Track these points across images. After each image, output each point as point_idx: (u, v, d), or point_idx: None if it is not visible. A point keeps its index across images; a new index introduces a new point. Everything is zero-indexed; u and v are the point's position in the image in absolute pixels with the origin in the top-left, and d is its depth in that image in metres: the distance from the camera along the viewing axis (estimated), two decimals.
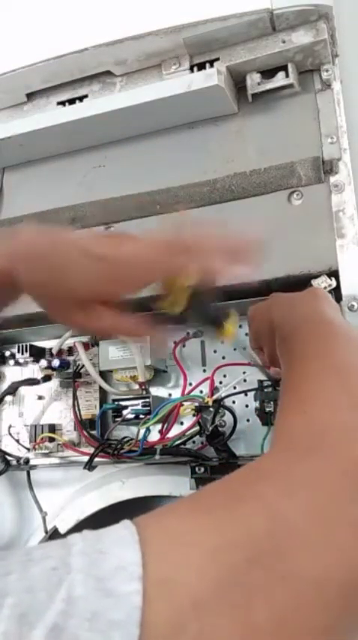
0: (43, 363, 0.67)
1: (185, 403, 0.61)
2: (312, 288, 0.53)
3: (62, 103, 0.69)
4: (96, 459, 0.62)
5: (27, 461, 0.68)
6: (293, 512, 0.25)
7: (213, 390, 0.62)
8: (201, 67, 0.62)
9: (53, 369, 0.67)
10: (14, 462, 0.69)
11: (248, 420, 0.61)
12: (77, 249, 0.37)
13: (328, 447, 0.28)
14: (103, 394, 0.68)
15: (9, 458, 0.69)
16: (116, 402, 0.65)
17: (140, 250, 0.36)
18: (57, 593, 0.21)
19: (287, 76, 0.59)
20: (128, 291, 0.38)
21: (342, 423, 0.30)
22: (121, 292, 0.38)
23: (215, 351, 0.65)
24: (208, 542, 0.23)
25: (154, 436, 0.63)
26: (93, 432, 0.65)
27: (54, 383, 0.70)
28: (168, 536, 0.24)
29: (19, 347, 0.69)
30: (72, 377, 0.67)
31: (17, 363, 0.71)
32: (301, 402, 0.33)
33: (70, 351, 0.69)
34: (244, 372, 0.61)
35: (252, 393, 0.59)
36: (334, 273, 0.56)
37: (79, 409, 0.66)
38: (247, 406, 0.62)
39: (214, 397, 0.60)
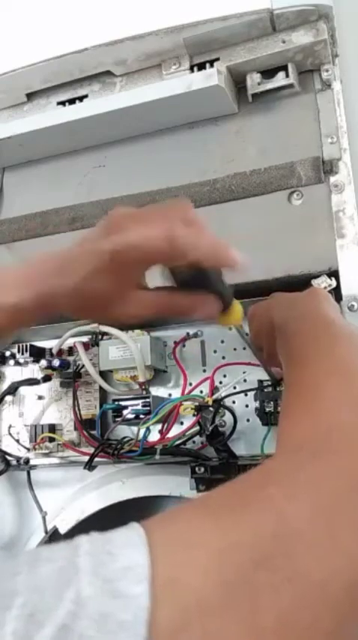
0: (43, 363, 0.67)
1: (185, 403, 0.61)
2: (313, 288, 0.53)
3: (62, 103, 0.69)
4: (96, 459, 0.62)
5: (27, 461, 0.68)
6: (299, 515, 0.25)
7: (213, 390, 0.62)
8: (201, 67, 0.62)
9: (53, 369, 0.67)
10: (14, 462, 0.69)
11: (248, 420, 0.61)
12: (85, 252, 0.39)
13: (334, 451, 0.28)
14: (103, 394, 0.68)
15: (9, 458, 0.69)
16: (116, 402, 0.65)
17: (141, 235, 0.37)
18: (65, 594, 0.21)
19: (287, 76, 0.59)
20: (142, 271, 0.40)
21: (347, 426, 0.30)
22: (138, 274, 0.40)
23: (215, 351, 0.65)
24: (214, 543, 0.24)
25: (154, 436, 0.63)
26: (94, 432, 0.65)
27: (54, 383, 0.70)
28: (175, 538, 0.24)
29: (19, 347, 0.69)
30: (72, 377, 0.67)
31: (17, 363, 0.71)
32: (306, 404, 0.33)
33: (70, 351, 0.69)
34: (244, 372, 0.61)
35: (252, 393, 0.59)
36: (334, 273, 0.56)
37: (79, 409, 0.66)
38: (247, 406, 0.62)
39: (214, 397, 0.60)
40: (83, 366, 0.66)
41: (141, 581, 0.21)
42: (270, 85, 0.60)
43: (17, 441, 0.69)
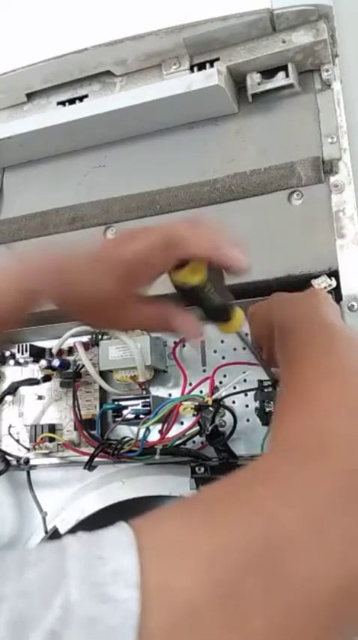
0: (43, 363, 0.67)
1: (185, 403, 0.61)
2: (313, 289, 0.53)
3: (62, 103, 0.69)
4: (96, 459, 0.62)
5: (27, 461, 0.68)
6: (289, 519, 0.25)
7: (213, 389, 0.62)
8: (201, 67, 0.62)
9: (53, 369, 0.67)
10: (14, 462, 0.69)
11: (248, 420, 0.61)
12: (87, 259, 0.39)
13: (325, 455, 0.28)
14: (103, 394, 0.68)
15: (9, 458, 0.69)
16: (116, 402, 0.65)
17: (144, 241, 0.37)
18: (54, 600, 0.20)
19: (287, 76, 0.59)
20: (142, 284, 0.40)
21: (340, 430, 0.30)
22: (137, 287, 0.40)
23: (215, 351, 0.65)
24: (205, 547, 0.23)
25: (154, 436, 0.63)
26: (94, 432, 0.65)
27: (54, 383, 0.70)
28: (165, 541, 0.24)
29: (19, 347, 0.69)
30: (72, 377, 0.67)
31: (17, 363, 0.71)
32: (300, 405, 0.33)
33: (70, 351, 0.69)
34: (244, 372, 0.61)
35: (252, 393, 0.59)
36: (334, 273, 0.56)
37: (79, 409, 0.66)
38: (247, 406, 0.62)
39: (214, 397, 0.60)
40: (83, 366, 0.66)
41: (130, 586, 0.21)
42: (270, 85, 0.60)
43: (17, 441, 0.69)
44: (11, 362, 0.71)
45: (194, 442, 0.61)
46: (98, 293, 0.39)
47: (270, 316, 0.45)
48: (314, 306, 0.42)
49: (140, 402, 0.63)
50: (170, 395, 0.66)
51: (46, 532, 0.68)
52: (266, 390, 0.57)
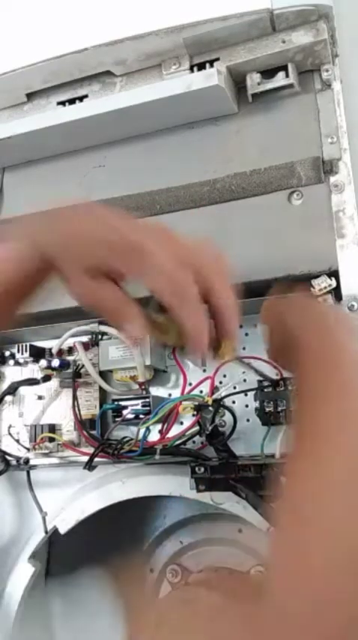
0: (43, 363, 0.67)
1: (184, 402, 0.61)
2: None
3: (62, 103, 0.69)
4: (96, 459, 0.62)
5: (27, 461, 0.68)
6: None
7: (213, 389, 0.62)
8: (201, 67, 0.62)
9: (53, 369, 0.67)
10: (14, 462, 0.69)
11: (248, 420, 0.61)
12: (102, 222, 0.39)
13: (328, 527, 0.28)
14: (103, 394, 0.68)
15: (9, 458, 0.69)
16: (116, 402, 0.65)
17: (158, 254, 0.36)
18: None
19: (287, 76, 0.59)
20: (130, 277, 0.39)
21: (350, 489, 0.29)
22: (124, 276, 0.39)
23: None
24: None
25: (154, 436, 0.63)
26: (93, 432, 0.65)
27: (54, 383, 0.70)
28: None
29: (19, 347, 0.69)
30: (72, 377, 0.67)
31: (17, 363, 0.71)
32: (313, 454, 0.32)
33: (70, 351, 0.69)
34: (244, 372, 0.61)
35: (252, 393, 0.59)
36: (334, 273, 0.56)
37: (78, 409, 0.66)
38: (247, 406, 0.62)
39: (214, 397, 0.60)
40: (83, 366, 0.66)
41: None
42: (270, 85, 0.60)
43: (17, 441, 0.69)
44: (11, 362, 0.71)
45: (194, 442, 0.61)
46: (87, 253, 0.38)
47: (286, 317, 0.43)
48: (334, 328, 0.41)
49: (140, 402, 0.63)
50: (170, 395, 0.66)
51: (46, 532, 0.68)
52: (266, 390, 0.57)
